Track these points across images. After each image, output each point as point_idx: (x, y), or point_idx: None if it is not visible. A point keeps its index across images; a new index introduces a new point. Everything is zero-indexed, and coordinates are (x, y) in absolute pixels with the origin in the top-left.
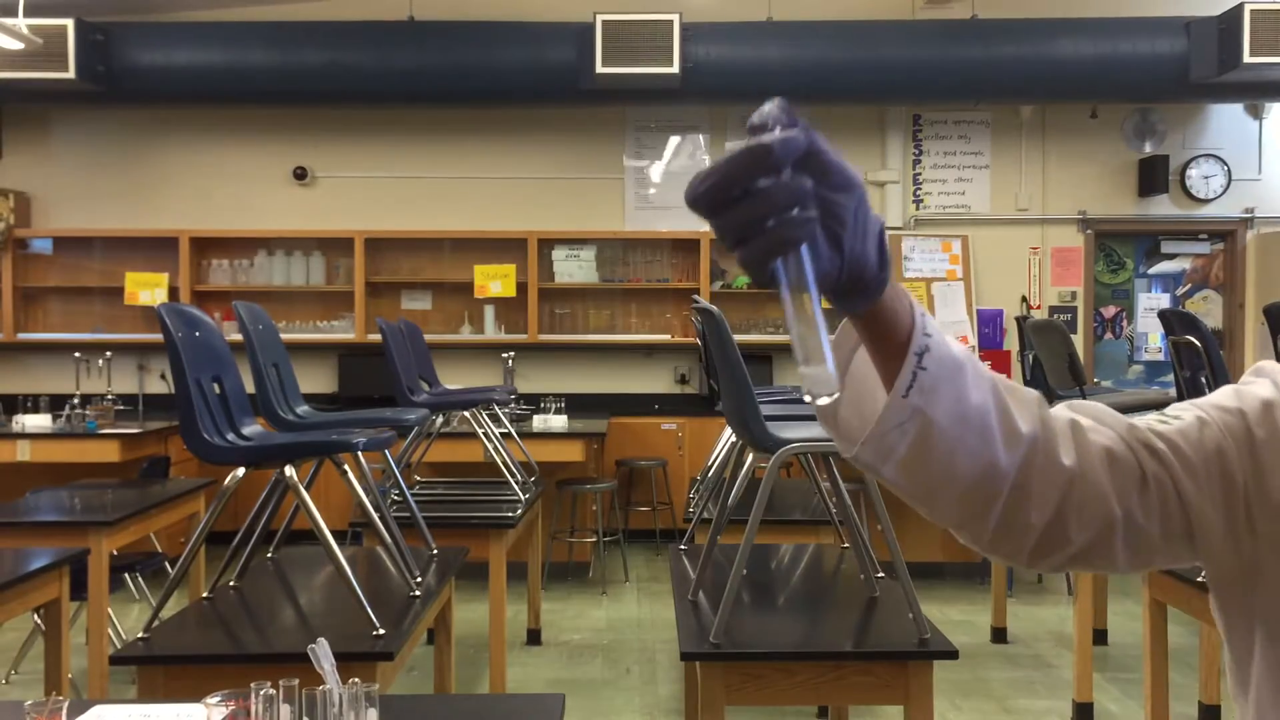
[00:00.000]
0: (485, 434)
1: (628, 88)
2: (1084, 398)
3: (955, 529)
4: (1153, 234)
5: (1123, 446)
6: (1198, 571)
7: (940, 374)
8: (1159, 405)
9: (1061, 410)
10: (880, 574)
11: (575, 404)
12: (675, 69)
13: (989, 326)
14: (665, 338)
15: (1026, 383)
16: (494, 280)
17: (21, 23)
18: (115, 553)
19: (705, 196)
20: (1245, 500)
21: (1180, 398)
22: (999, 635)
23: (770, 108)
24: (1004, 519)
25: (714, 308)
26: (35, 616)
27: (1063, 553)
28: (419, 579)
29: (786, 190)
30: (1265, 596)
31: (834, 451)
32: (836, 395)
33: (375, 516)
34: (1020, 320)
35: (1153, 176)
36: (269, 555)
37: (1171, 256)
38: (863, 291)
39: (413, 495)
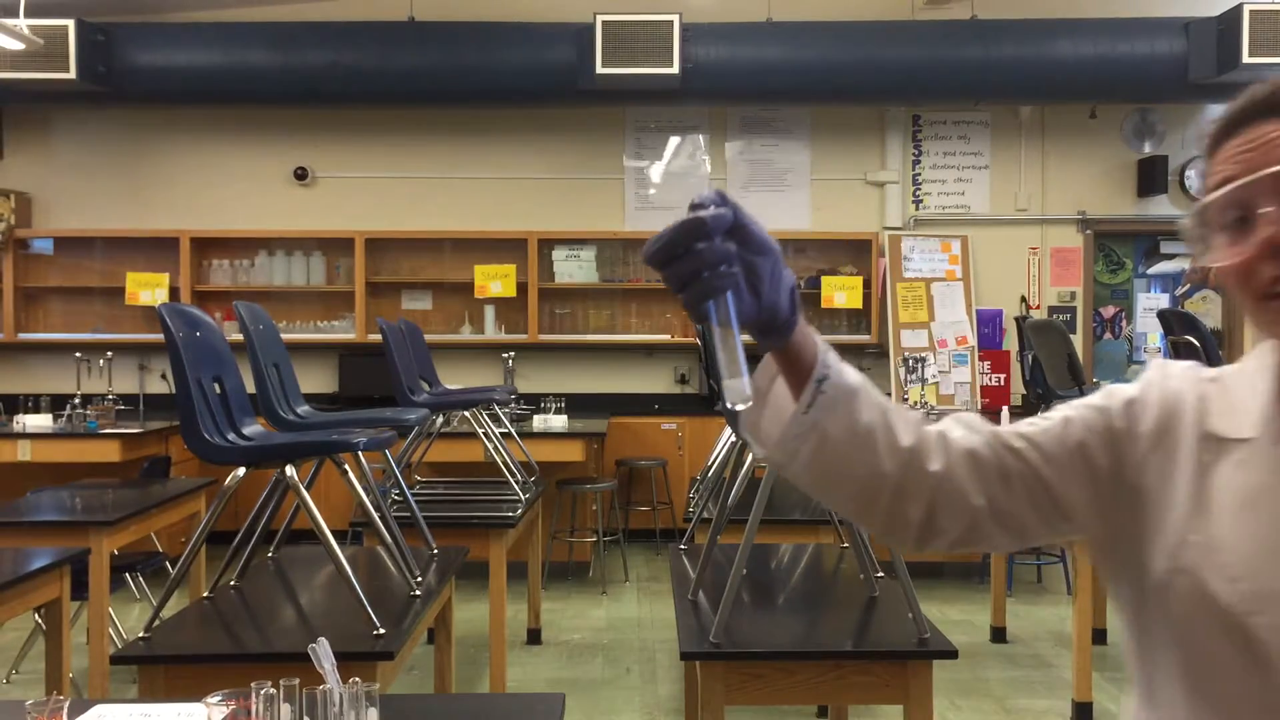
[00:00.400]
0: (485, 434)
1: (628, 88)
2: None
3: (852, 520)
4: (1152, 234)
5: (986, 449)
6: None
7: (836, 396)
8: None
9: (941, 423)
10: (880, 574)
11: (575, 404)
12: (675, 69)
13: (988, 326)
14: (665, 338)
15: (1026, 382)
16: (494, 280)
17: (22, 23)
18: (116, 552)
19: (656, 255)
20: (1109, 482)
21: None
22: (998, 635)
23: (708, 193)
24: (888, 514)
25: None
26: (36, 616)
27: (942, 539)
28: (419, 579)
29: (715, 252)
30: (1124, 558)
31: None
32: (750, 403)
33: (375, 516)
34: (1020, 320)
35: (1152, 177)
36: (269, 555)
37: (1171, 257)
38: (777, 331)
39: (413, 495)
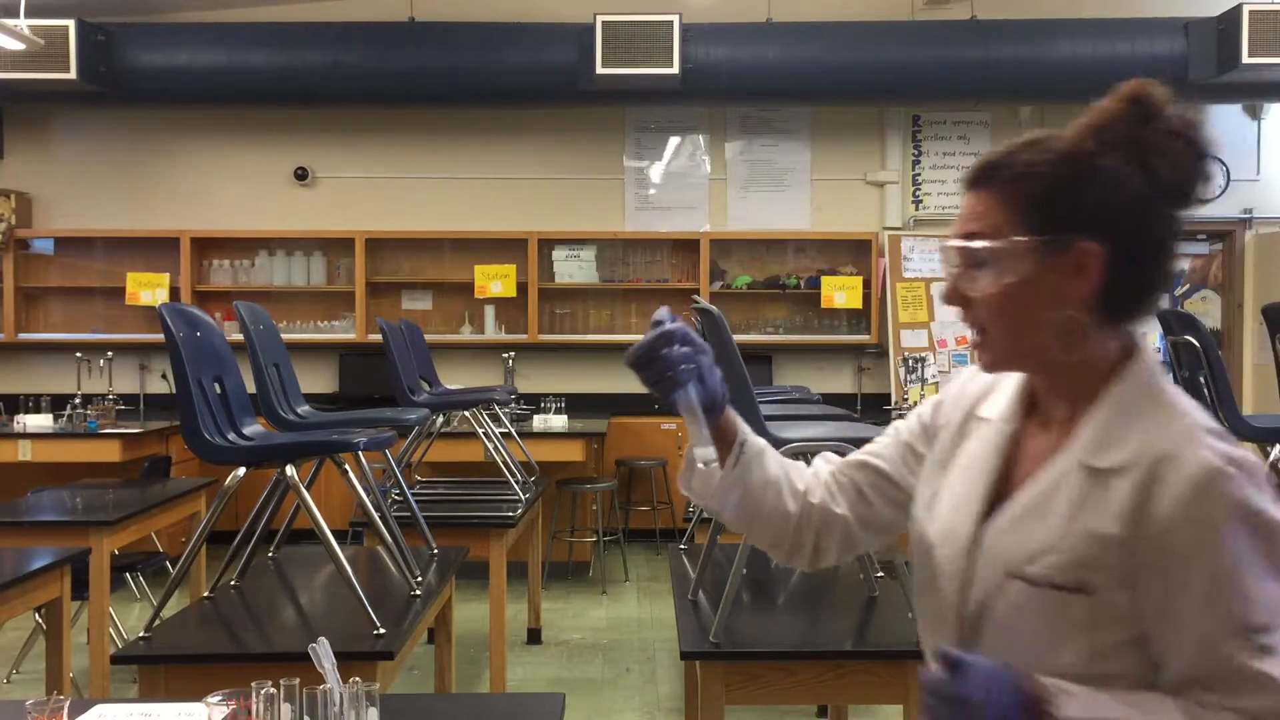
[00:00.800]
0: (485, 434)
1: (627, 88)
2: None
3: (764, 549)
4: None
5: (842, 472)
6: None
7: (752, 456)
8: None
9: (815, 463)
10: (880, 573)
11: (575, 404)
12: (675, 70)
13: None
14: None
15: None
16: (494, 280)
17: (23, 23)
18: (116, 552)
19: (636, 360)
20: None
21: None
22: None
23: (664, 311)
24: (792, 544)
25: (714, 308)
26: (36, 616)
27: (827, 557)
28: (419, 578)
29: (678, 355)
30: None
31: (835, 450)
32: (715, 461)
33: (376, 516)
34: None
35: None
36: (270, 555)
37: None
38: (718, 409)
39: (413, 495)
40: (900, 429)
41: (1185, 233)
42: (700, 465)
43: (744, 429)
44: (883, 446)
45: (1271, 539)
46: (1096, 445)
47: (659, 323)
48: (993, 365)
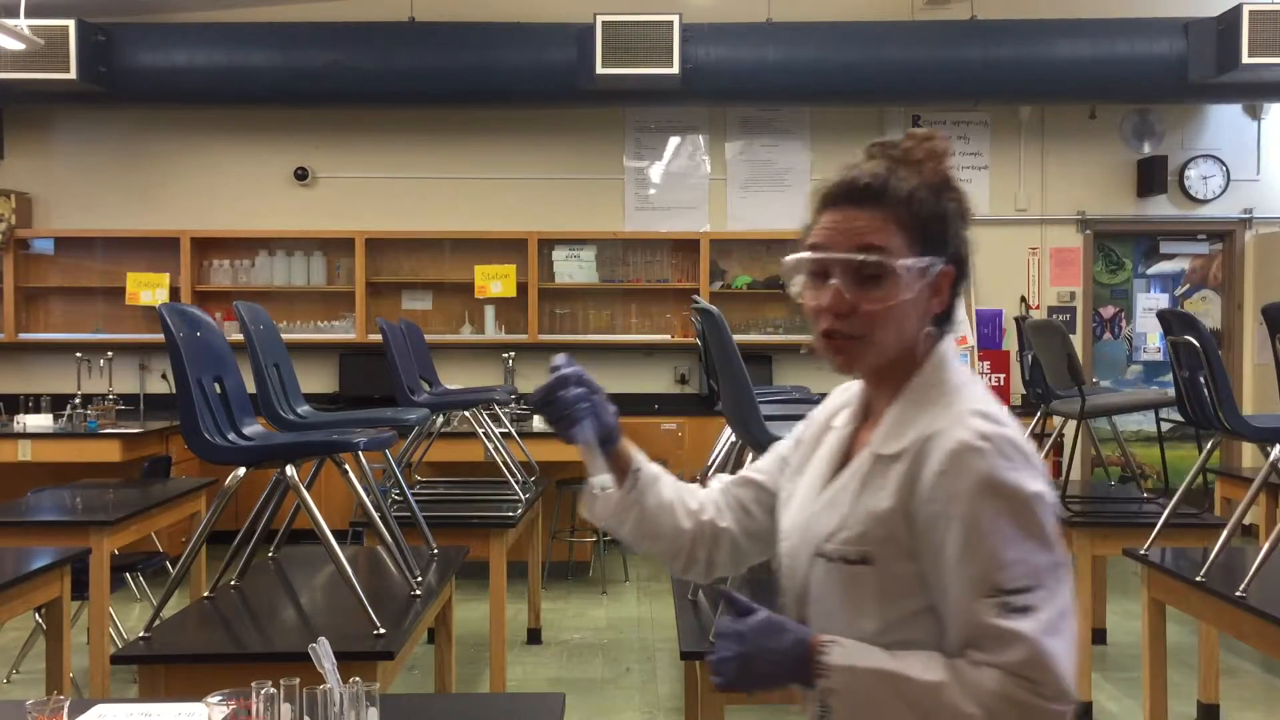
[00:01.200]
0: (485, 434)
1: (627, 88)
2: (1082, 398)
3: (665, 562)
4: (1151, 234)
5: (729, 491)
6: (1197, 570)
7: (646, 482)
8: (1157, 405)
9: (711, 481)
10: None
11: None
12: (675, 70)
13: (988, 326)
14: (665, 338)
15: (1026, 382)
16: (494, 280)
17: (23, 23)
18: (116, 552)
19: (537, 402)
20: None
21: (1179, 397)
22: None
23: (562, 357)
24: (688, 558)
25: (714, 308)
26: (37, 616)
27: (720, 570)
28: (419, 578)
29: (573, 396)
30: None
31: None
32: (610, 489)
33: (376, 516)
34: (1019, 320)
35: (1151, 177)
36: (270, 555)
37: (1170, 257)
38: (612, 441)
39: (413, 495)
40: (778, 446)
41: (1185, 233)
42: (597, 491)
43: (639, 458)
44: (765, 463)
45: (1021, 507)
46: (886, 436)
47: (556, 368)
48: (852, 369)
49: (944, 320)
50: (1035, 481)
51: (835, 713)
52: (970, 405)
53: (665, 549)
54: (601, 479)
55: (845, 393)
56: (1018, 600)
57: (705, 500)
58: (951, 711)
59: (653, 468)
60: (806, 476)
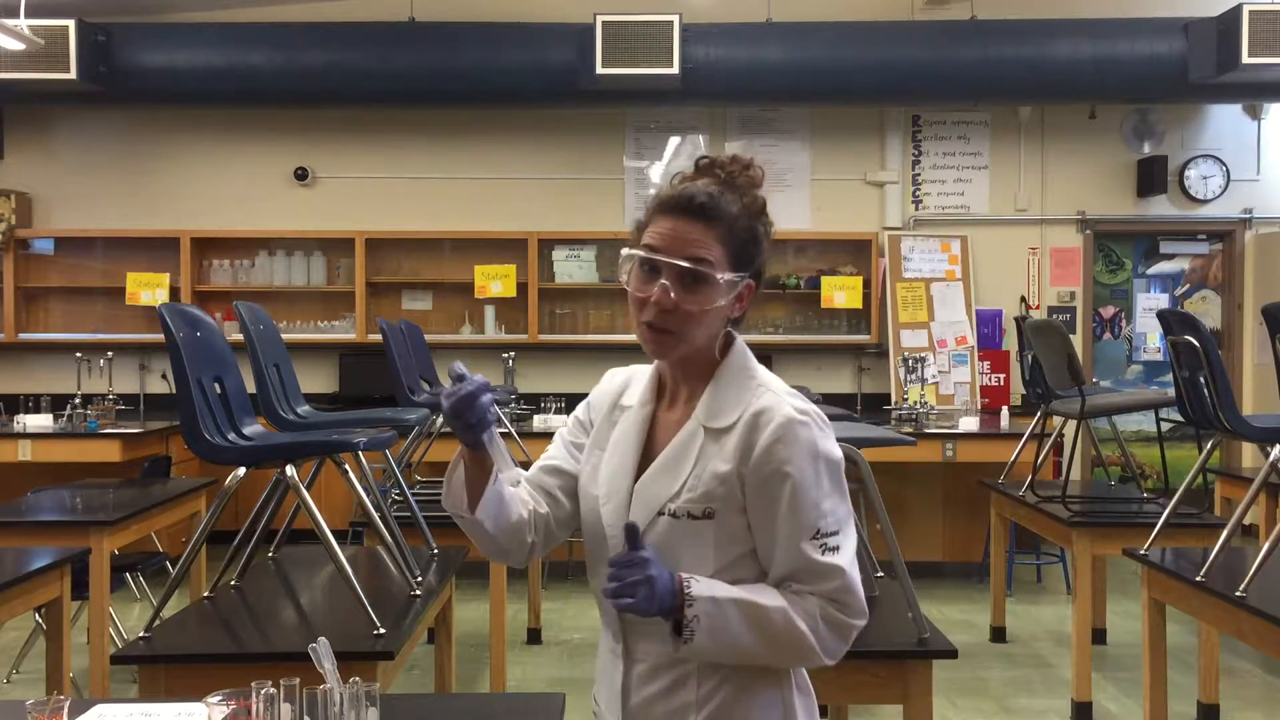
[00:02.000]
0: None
1: (628, 89)
2: (1082, 398)
3: (497, 551)
4: (1151, 234)
5: (533, 480)
6: (1197, 570)
7: (501, 486)
8: (1157, 405)
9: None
10: (880, 573)
11: (575, 404)
12: (675, 70)
13: (988, 327)
14: None
15: (1026, 382)
16: (494, 280)
17: (23, 23)
18: (116, 552)
19: (455, 410)
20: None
21: (1179, 397)
22: (998, 634)
23: (460, 365)
24: (521, 543)
25: None
26: (37, 616)
27: (537, 549)
28: (419, 578)
29: (486, 403)
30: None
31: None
32: (520, 483)
33: (376, 516)
34: (1019, 320)
35: (1151, 177)
36: (270, 555)
37: (1170, 257)
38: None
39: (413, 494)
40: (563, 434)
41: (1185, 233)
42: (509, 486)
43: (500, 466)
44: (556, 450)
45: (834, 468)
46: (711, 413)
47: (461, 376)
48: (665, 354)
49: (737, 323)
50: (838, 448)
51: (696, 636)
52: (781, 389)
53: (510, 537)
54: (510, 474)
55: (614, 379)
56: (831, 541)
57: (527, 491)
58: (787, 629)
59: (503, 467)
60: (614, 449)
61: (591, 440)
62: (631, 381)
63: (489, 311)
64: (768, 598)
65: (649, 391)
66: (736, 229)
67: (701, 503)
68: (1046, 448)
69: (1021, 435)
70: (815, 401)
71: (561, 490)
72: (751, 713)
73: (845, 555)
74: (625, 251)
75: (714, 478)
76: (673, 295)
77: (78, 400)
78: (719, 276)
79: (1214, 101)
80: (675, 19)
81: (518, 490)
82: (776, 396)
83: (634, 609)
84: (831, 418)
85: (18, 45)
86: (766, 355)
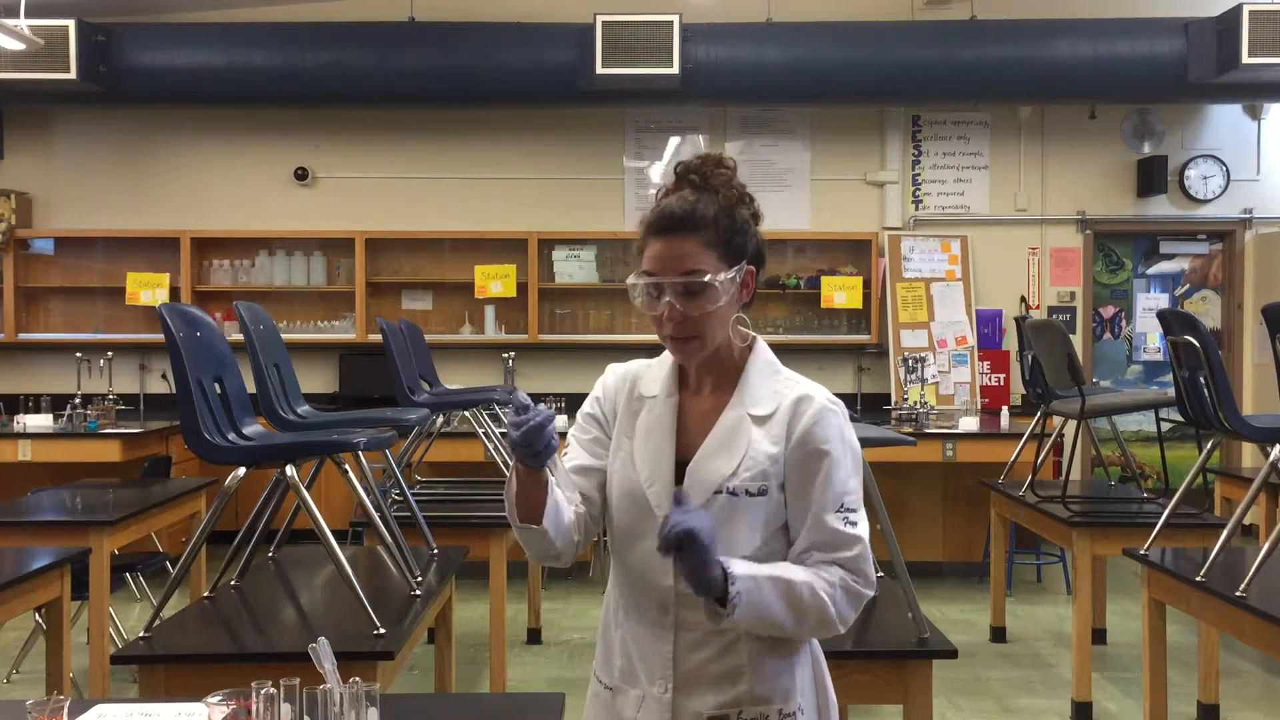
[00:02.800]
0: (485, 434)
1: (627, 89)
2: (1082, 398)
3: (545, 554)
4: (1151, 234)
5: (576, 480)
6: (1197, 570)
7: (557, 494)
8: (1157, 405)
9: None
10: (880, 573)
11: (575, 404)
12: (675, 70)
13: (988, 327)
14: None
15: (1026, 382)
16: (494, 280)
17: (23, 23)
18: (116, 552)
19: (520, 439)
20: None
21: (1179, 397)
22: (998, 634)
23: (523, 395)
24: (568, 544)
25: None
26: (37, 616)
27: (579, 548)
28: (419, 578)
29: (549, 435)
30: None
31: None
32: (579, 503)
33: (376, 516)
34: (1019, 320)
35: (1151, 177)
36: (270, 555)
37: (1170, 257)
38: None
39: (413, 495)
40: (576, 435)
41: (1185, 233)
42: (569, 506)
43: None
44: (576, 451)
45: (855, 453)
46: (752, 402)
47: (526, 407)
48: (694, 360)
49: (747, 305)
50: (855, 434)
51: (738, 610)
52: (808, 380)
53: (565, 542)
54: (572, 494)
55: (617, 372)
56: (852, 516)
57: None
58: (813, 600)
59: (552, 483)
60: (647, 435)
61: (617, 430)
62: (641, 374)
63: (489, 311)
64: (796, 573)
65: (671, 382)
66: (719, 228)
67: (757, 480)
68: (1046, 448)
69: (1021, 435)
70: None
71: (596, 489)
72: (793, 670)
73: (862, 529)
74: (629, 281)
75: (766, 458)
76: (680, 308)
77: (78, 400)
78: (714, 280)
79: (1214, 101)
80: (675, 19)
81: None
82: (813, 387)
83: (694, 552)
84: None
85: (18, 45)
86: None
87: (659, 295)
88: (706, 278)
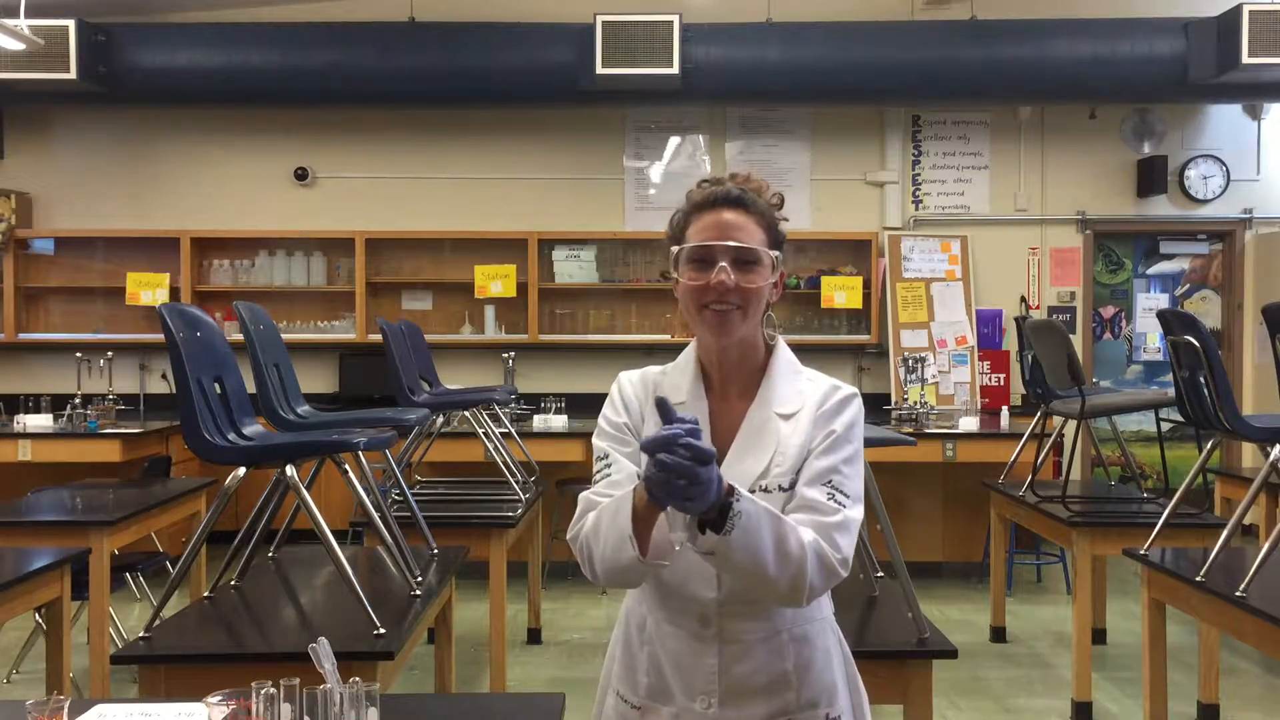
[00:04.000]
0: (485, 434)
1: (628, 89)
2: (1082, 398)
3: (631, 585)
4: (1151, 234)
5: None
6: (1197, 570)
7: (664, 532)
8: (1157, 405)
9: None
10: (880, 573)
11: (575, 404)
12: (675, 70)
13: (988, 327)
14: (665, 338)
15: (1026, 382)
16: (494, 280)
17: (23, 23)
18: (116, 552)
19: (688, 479)
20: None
21: (1179, 398)
22: (998, 634)
23: (692, 419)
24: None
25: None
26: (37, 616)
27: None
28: (419, 578)
29: (710, 475)
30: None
31: None
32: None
33: (376, 516)
34: (1019, 320)
35: (1151, 177)
36: (270, 555)
37: (1170, 257)
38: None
39: (413, 495)
40: (620, 450)
41: (1185, 233)
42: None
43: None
44: (625, 466)
45: (858, 440)
46: (777, 402)
47: (695, 431)
48: (732, 334)
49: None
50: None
51: (733, 534)
52: (828, 377)
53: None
54: (705, 541)
55: (632, 379)
56: (841, 496)
57: None
58: (797, 553)
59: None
60: None
61: (646, 434)
62: (658, 381)
63: (489, 311)
64: (785, 516)
65: (697, 386)
66: (768, 216)
67: (790, 474)
68: (1046, 448)
69: (1021, 435)
70: None
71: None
72: (832, 670)
73: (851, 511)
74: (677, 248)
75: (796, 451)
76: (733, 276)
77: (78, 400)
78: (769, 254)
79: (1214, 101)
80: (675, 19)
81: None
82: (832, 382)
83: (691, 507)
84: None
85: (18, 45)
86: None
87: (707, 267)
88: (762, 249)
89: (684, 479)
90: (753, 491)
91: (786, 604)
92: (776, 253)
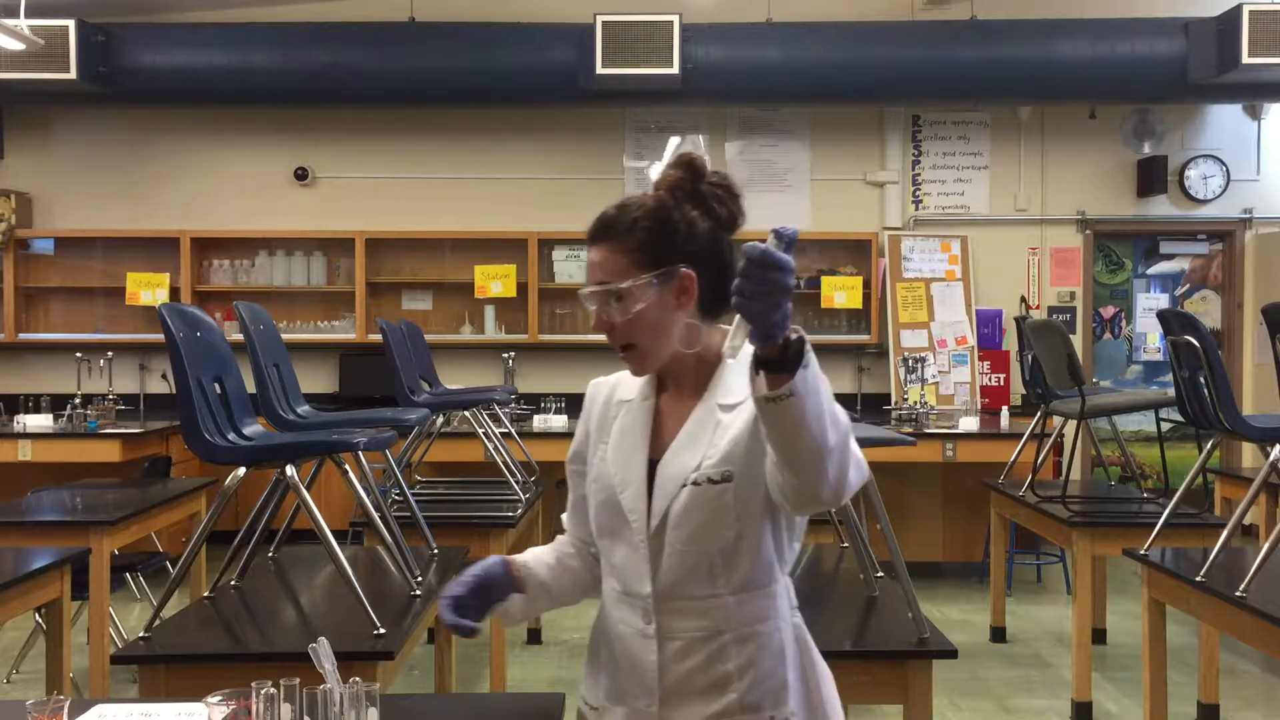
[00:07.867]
0: (485, 434)
1: (627, 89)
2: (1082, 398)
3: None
4: (1151, 234)
5: (576, 529)
6: (1197, 570)
7: (533, 575)
8: (1157, 405)
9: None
10: (879, 573)
11: (576, 404)
12: (675, 70)
13: (988, 327)
14: None
15: (1025, 382)
16: (494, 280)
17: (23, 23)
18: (116, 552)
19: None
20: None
21: (1179, 397)
22: (998, 634)
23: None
24: (592, 586)
25: None
26: (37, 616)
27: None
28: (420, 578)
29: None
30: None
31: None
32: (739, 350)
33: (376, 516)
34: (1019, 320)
35: (1151, 177)
36: (270, 555)
37: (1170, 257)
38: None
39: (413, 495)
40: (572, 470)
41: (1185, 233)
42: (542, 571)
43: (517, 562)
44: (576, 489)
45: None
46: (722, 393)
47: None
48: (642, 369)
49: (709, 307)
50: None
51: (807, 373)
52: None
53: (579, 592)
54: (511, 601)
55: (601, 387)
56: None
57: (569, 541)
58: (841, 411)
59: (521, 558)
60: (621, 438)
61: (594, 438)
62: (621, 381)
63: (489, 311)
64: None
65: (648, 385)
66: (639, 234)
67: (720, 466)
68: (1046, 448)
69: (1021, 435)
70: None
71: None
72: (783, 673)
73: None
74: (581, 292)
75: (729, 442)
76: (605, 318)
77: (78, 400)
78: (621, 287)
79: (1214, 101)
80: (675, 19)
81: (559, 554)
82: None
83: (765, 316)
84: None
85: (18, 45)
86: None
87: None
88: (615, 284)
89: (779, 270)
90: (684, 486)
91: (825, 495)
92: (645, 277)
